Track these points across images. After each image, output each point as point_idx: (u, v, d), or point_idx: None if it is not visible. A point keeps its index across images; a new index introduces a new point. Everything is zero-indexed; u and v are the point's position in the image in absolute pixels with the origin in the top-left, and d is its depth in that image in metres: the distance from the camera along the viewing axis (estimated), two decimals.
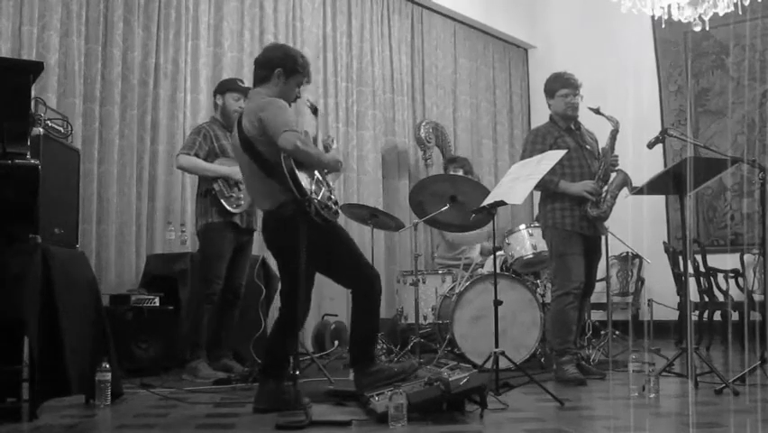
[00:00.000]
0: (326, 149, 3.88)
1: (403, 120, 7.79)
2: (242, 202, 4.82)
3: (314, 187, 3.51)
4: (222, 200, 4.77)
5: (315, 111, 3.94)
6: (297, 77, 3.67)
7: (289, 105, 3.69)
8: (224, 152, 4.85)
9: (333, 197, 3.66)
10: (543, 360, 5.22)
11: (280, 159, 3.39)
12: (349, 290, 3.77)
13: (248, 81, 6.21)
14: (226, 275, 4.83)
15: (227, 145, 4.84)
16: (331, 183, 3.75)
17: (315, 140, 3.86)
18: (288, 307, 3.55)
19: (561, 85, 4.70)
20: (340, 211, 3.68)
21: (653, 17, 6.55)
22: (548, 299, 5.16)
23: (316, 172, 3.62)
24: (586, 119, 4.81)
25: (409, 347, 5.38)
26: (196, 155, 4.79)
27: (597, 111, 4.57)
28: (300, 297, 3.48)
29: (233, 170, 4.75)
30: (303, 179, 3.44)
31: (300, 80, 3.69)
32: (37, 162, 3.28)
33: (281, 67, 3.62)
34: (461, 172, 6.39)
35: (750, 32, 7.70)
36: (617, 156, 4.66)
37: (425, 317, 5.63)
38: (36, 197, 3.26)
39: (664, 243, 7.17)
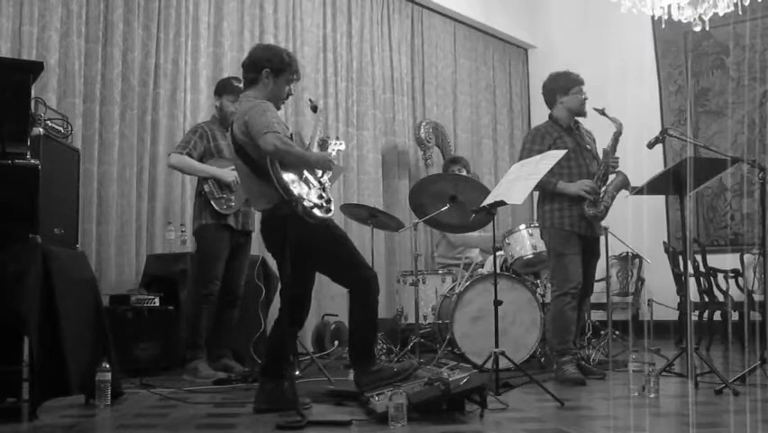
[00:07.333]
0: (323, 143, 3.88)
1: (403, 120, 7.79)
2: (233, 204, 4.80)
3: (302, 187, 3.52)
4: (212, 201, 4.76)
5: (314, 109, 3.95)
6: (285, 75, 3.65)
7: (281, 104, 3.69)
8: (221, 152, 4.84)
9: (324, 195, 3.64)
10: (543, 360, 5.22)
11: (267, 161, 3.40)
12: (346, 289, 3.77)
13: None
14: (224, 276, 4.83)
15: (224, 146, 4.83)
16: (325, 181, 3.73)
17: (312, 139, 3.86)
18: (285, 306, 3.56)
19: (574, 83, 4.71)
20: (333, 208, 3.66)
21: (653, 17, 6.55)
22: (548, 299, 5.15)
23: (305, 172, 3.62)
24: (585, 119, 4.81)
25: (409, 347, 5.37)
26: (189, 154, 4.76)
27: (602, 112, 4.58)
28: (297, 296, 3.48)
29: (223, 171, 4.75)
30: (290, 180, 3.44)
31: (289, 78, 3.67)
32: (37, 162, 3.28)
33: (268, 67, 3.61)
34: (464, 173, 6.39)
35: (750, 32, 7.70)
36: (617, 158, 4.66)
37: (425, 317, 5.63)
38: (36, 197, 3.27)
39: (664, 243, 7.17)
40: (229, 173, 4.70)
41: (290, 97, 3.79)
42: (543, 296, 5.40)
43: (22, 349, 3.29)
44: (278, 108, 3.66)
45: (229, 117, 4.80)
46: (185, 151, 4.77)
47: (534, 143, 4.65)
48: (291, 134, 3.71)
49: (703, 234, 8.02)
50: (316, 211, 3.51)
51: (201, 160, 4.82)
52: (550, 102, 4.78)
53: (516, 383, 4.13)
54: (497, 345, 4.06)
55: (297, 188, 3.46)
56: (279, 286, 3.79)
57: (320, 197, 3.59)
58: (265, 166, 3.42)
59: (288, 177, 3.44)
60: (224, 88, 4.96)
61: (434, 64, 8.23)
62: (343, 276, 3.73)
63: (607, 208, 4.58)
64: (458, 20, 8.53)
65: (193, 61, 6.00)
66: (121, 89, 5.53)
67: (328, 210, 3.61)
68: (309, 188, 3.57)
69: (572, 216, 4.58)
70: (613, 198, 4.60)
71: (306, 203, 3.44)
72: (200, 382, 4.49)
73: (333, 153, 3.90)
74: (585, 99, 4.70)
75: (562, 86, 4.72)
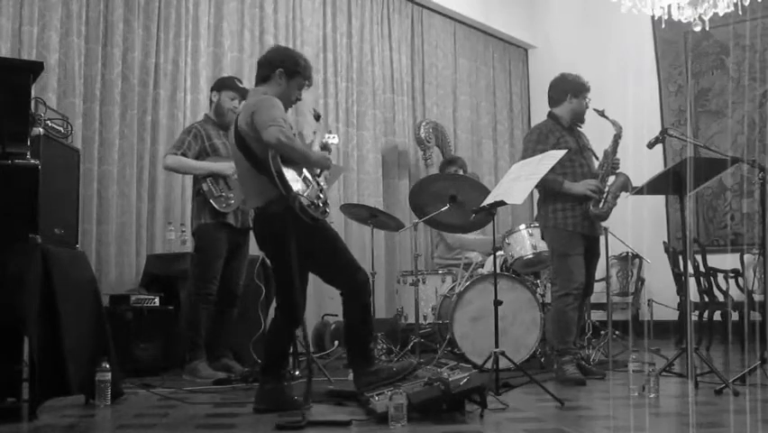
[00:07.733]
0: (325, 147, 3.88)
1: (403, 120, 7.79)
2: (232, 201, 4.79)
3: (301, 184, 3.51)
4: (210, 200, 4.76)
5: (317, 118, 4.01)
6: (298, 78, 3.67)
7: (289, 106, 3.70)
8: (216, 150, 4.83)
9: (322, 195, 3.64)
10: (543, 360, 5.22)
11: (269, 155, 3.40)
12: (338, 291, 3.75)
13: (248, 81, 6.25)
14: (223, 275, 4.82)
15: (219, 144, 4.83)
16: (322, 182, 3.73)
17: (311, 143, 3.87)
18: (282, 305, 3.56)
19: (584, 88, 4.73)
20: (329, 210, 3.66)
21: (653, 17, 6.55)
22: (548, 299, 5.16)
23: (305, 170, 3.62)
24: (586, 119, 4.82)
25: (409, 347, 5.37)
26: (184, 155, 4.76)
27: (601, 113, 4.58)
28: (294, 295, 3.48)
29: (220, 165, 4.74)
30: (290, 176, 3.44)
31: (301, 83, 3.69)
32: (37, 162, 3.28)
33: (282, 67, 3.63)
34: (461, 173, 6.39)
35: (750, 32, 7.70)
36: (618, 159, 4.67)
37: (425, 317, 5.63)
38: (36, 197, 3.26)
39: (664, 243, 7.17)
40: (227, 166, 4.70)
41: None
42: (543, 296, 5.40)
43: (22, 349, 3.29)
44: (285, 111, 3.67)
45: (226, 113, 4.81)
46: (179, 151, 4.77)
47: (538, 143, 4.63)
48: (295, 134, 3.71)
49: (703, 234, 8.02)
50: (312, 211, 3.50)
51: (197, 159, 4.81)
52: (557, 99, 4.75)
53: (516, 383, 4.13)
54: (497, 345, 4.06)
55: (296, 185, 3.46)
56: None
57: (317, 197, 3.59)
58: (264, 161, 3.42)
59: (288, 173, 3.44)
60: (224, 84, 4.96)
61: (434, 64, 8.23)
62: (336, 278, 3.71)
63: (610, 209, 4.59)
64: (458, 20, 8.53)
65: (193, 61, 6.00)
66: (121, 89, 5.53)
67: (324, 212, 3.61)
68: (307, 186, 3.57)
69: (575, 216, 4.58)
70: (616, 198, 4.60)
71: (303, 201, 3.44)
72: (200, 382, 4.49)
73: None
74: (587, 107, 4.73)
75: (575, 88, 4.72)
